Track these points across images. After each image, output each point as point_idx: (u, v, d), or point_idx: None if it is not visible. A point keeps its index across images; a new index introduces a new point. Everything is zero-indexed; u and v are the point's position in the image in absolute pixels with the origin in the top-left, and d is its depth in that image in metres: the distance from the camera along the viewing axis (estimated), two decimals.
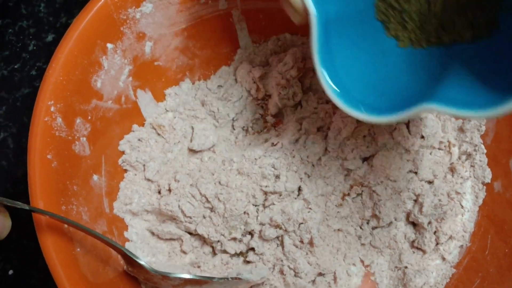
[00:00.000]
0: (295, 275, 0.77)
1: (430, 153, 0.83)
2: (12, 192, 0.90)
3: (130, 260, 0.69)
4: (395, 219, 0.82)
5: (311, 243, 0.78)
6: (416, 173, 0.82)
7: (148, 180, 0.81)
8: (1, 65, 0.97)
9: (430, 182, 0.82)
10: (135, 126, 0.83)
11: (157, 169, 0.81)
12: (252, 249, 0.79)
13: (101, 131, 0.76)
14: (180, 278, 0.70)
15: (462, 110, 0.52)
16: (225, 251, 0.79)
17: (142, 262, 0.68)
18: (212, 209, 0.78)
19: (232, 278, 0.73)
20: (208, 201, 0.78)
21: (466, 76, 0.55)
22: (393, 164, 0.80)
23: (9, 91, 0.96)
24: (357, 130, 0.81)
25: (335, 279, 0.80)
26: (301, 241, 0.77)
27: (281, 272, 0.78)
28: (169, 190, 0.79)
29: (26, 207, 0.61)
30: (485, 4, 0.58)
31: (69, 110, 0.70)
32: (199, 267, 0.80)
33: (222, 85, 0.89)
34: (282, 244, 0.79)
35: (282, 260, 0.78)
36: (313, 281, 0.79)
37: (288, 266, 0.77)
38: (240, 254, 0.81)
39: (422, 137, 0.83)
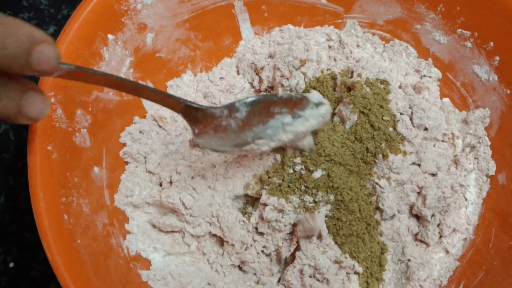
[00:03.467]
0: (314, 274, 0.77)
1: (434, 145, 0.83)
2: (13, 184, 0.90)
3: (192, 115, 0.67)
4: (398, 212, 0.81)
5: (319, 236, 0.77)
6: (419, 165, 0.81)
7: (149, 172, 0.81)
8: None
9: (433, 175, 0.82)
10: (136, 118, 0.83)
11: (159, 161, 0.81)
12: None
13: (102, 123, 0.76)
14: (246, 103, 0.69)
15: None
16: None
17: (203, 107, 0.67)
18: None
19: (296, 94, 0.73)
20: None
21: None
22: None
23: None
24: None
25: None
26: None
27: (301, 272, 0.77)
28: (170, 182, 0.78)
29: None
30: None
31: (69, 102, 0.70)
32: (204, 254, 0.80)
33: (224, 77, 0.89)
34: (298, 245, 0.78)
35: (301, 259, 0.77)
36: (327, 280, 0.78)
37: (309, 265, 0.76)
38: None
39: (426, 129, 0.82)
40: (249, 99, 0.69)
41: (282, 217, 0.75)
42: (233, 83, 0.87)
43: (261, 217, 0.76)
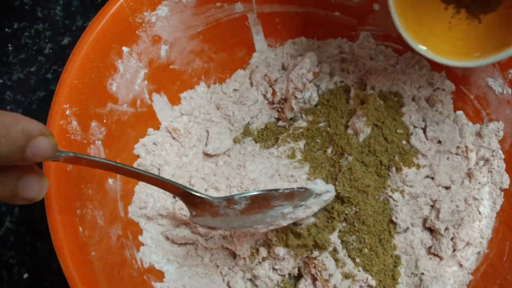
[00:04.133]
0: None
1: (447, 158, 0.83)
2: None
3: (191, 199, 0.67)
4: (412, 225, 0.81)
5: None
6: (433, 178, 0.81)
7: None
8: (17, 68, 0.97)
9: (447, 188, 0.82)
10: (150, 130, 0.83)
11: (172, 173, 0.81)
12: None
13: (116, 135, 0.76)
14: (245, 197, 0.68)
15: None
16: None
17: (202, 195, 0.66)
18: None
19: (298, 188, 0.71)
20: None
21: None
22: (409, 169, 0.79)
23: (25, 94, 0.96)
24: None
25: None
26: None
27: (314, 285, 0.77)
28: None
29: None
30: None
31: (84, 114, 0.70)
32: (217, 266, 0.80)
33: (237, 89, 0.89)
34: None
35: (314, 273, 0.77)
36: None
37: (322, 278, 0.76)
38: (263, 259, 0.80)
39: (439, 141, 0.82)
40: (249, 194, 0.68)
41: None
42: (246, 95, 0.88)
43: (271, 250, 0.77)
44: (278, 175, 0.80)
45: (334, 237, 0.76)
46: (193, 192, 0.66)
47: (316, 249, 0.75)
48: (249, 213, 0.69)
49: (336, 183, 0.77)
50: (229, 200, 0.67)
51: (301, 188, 0.71)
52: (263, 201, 0.69)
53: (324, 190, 0.74)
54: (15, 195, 0.51)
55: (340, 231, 0.77)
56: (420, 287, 0.79)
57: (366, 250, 0.77)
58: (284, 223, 0.72)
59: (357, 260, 0.77)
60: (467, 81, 0.87)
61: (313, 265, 0.75)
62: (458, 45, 0.70)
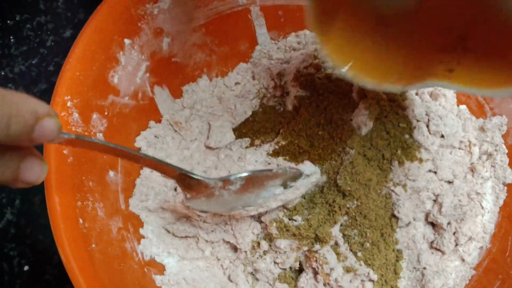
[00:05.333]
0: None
1: (450, 153, 0.82)
2: (28, 187, 0.90)
3: (187, 182, 0.68)
4: (414, 219, 0.80)
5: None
6: (435, 172, 0.81)
7: (164, 177, 0.81)
8: (19, 60, 0.97)
9: (449, 182, 0.81)
10: (151, 123, 0.83)
11: None
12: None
13: (117, 127, 0.76)
14: (240, 178, 0.69)
15: None
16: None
17: (198, 177, 0.67)
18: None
19: (290, 168, 0.74)
20: None
21: None
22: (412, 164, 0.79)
23: (26, 86, 0.96)
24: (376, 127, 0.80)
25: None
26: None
27: (315, 279, 0.77)
28: None
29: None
30: None
31: (85, 106, 0.70)
32: (218, 259, 0.80)
33: (239, 82, 0.89)
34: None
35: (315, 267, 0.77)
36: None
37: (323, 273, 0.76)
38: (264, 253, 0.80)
39: (442, 136, 0.82)
40: (244, 174, 0.69)
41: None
42: (248, 88, 0.87)
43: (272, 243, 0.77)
44: (278, 165, 0.80)
45: (335, 231, 0.76)
46: (190, 174, 0.67)
47: (318, 243, 0.75)
48: (242, 193, 0.70)
49: (338, 176, 0.77)
50: (225, 181, 0.69)
51: (292, 168, 0.74)
52: (257, 181, 0.70)
53: (312, 171, 0.76)
54: (16, 178, 0.51)
55: (341, 225, 0.77)
56: (422, 282, 0.79)
57: (367, 244, 0.76)
58: (275, 204, 0.74)
59: (359, 254, 0.76)
60: None
61: (314, 258, 0.75)
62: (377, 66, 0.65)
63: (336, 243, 0.75)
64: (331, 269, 0.74)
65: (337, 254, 0.75)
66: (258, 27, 0.90)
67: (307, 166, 0.77)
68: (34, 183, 0.53)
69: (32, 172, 0.52)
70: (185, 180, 0.67)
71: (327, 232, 0.74)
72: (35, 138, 0.48)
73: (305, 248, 0.75)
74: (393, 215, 0.80)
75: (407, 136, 0.80)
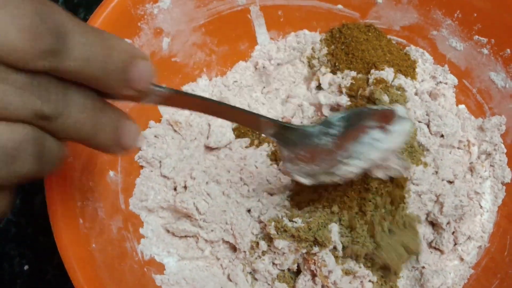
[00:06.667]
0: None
1: (450, 152, 0.82)
2: (28, 187, 0.90)
3: (286, 137, 0.63)
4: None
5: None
6: (436, 172, 0.81)
7: (164, 176, 0.81)
8: None
9: (450, 182, 0.81)
10: (151, 123, 0.83)
11: (173, 166, 0.81)
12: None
13: None
14: (339, 118, 0.66)
15: None
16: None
17: (298, 126, 0.65)
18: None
19: (384, 108, 0.70)
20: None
21: None
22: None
23: None
24: None
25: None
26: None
27: (313, 281, 0.77)
28: (185, 187, 0.78)
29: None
30: None
31: None
32: (218, 259, 0.80)
33: (237, 81, 0.89)
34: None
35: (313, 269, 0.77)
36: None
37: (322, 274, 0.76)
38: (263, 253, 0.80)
39: (442, 136, 0.82)
40: (342, 114, 0.66)
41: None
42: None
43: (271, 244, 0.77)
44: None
45: (335, 236, 0.75)
46: (289, 125, 0.63)
47: (316, 246, 0.75)
48: (343, 140, 0.65)
49: None
50: (324, 122, 0.65)
51: (387, 107, 0.70)
52: (356, 121, 0.66)
53: (405, 115, 0.68)
54: (116, 141, 0.49)
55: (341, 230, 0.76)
56: (420, 281, 0.79)
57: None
58: (374, 155, 0.65)
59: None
60: (470, 75, 0.87)
61: (313, 261, 0.75)
62: None
63: (335, 248, 0.75)
64: (330, 271, 0.74)
65: (336, 257, 0.75)
66: (257, 26, 0.90)
67: (399, 108, 0.69)
68: (130, 147, 0.51)
69: (130, 133, 0.50)
70: (285, 135, 0.63)
71: (327, 236, 0.73)
72: (131, 81, 0.46)
73: (304, 251, 0.75)
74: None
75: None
